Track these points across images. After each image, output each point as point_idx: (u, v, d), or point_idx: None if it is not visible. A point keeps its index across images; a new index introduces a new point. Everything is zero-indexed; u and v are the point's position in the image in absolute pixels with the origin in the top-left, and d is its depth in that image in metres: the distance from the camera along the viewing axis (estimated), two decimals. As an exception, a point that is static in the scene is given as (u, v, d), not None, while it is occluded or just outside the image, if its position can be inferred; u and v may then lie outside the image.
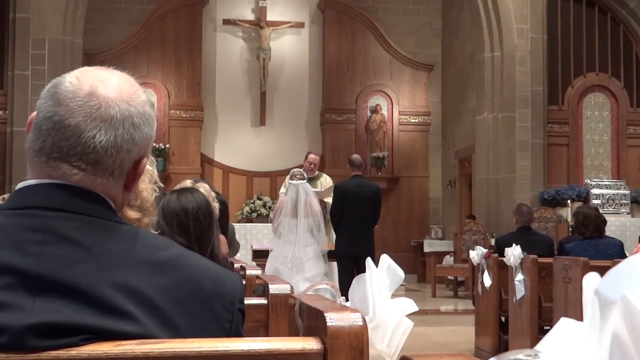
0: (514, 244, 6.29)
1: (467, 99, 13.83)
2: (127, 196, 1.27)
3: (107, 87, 1.19)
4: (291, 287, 2.31)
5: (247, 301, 1.82)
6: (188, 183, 3.55)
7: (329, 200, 8.20)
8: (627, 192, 11.49)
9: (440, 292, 12.22)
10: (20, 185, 1.19)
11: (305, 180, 7.56)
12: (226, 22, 14.61)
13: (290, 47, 14.89)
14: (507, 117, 11.79)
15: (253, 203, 14.21)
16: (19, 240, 1.09)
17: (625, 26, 12.57)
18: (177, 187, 3.24)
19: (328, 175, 9.32)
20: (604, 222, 6.35)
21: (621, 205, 11.41)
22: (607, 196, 11.42)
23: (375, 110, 14.53)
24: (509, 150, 11.73)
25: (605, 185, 11.61)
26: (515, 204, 8.64)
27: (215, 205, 3.59)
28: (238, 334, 1.19)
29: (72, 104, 1.17)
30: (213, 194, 3.63)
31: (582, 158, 12.18)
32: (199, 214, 2.74)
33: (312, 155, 8.89)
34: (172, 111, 14.03)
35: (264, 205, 14.09)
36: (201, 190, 3.42)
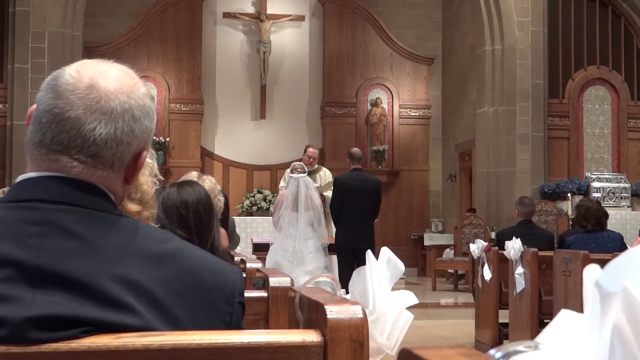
0: (514, 237, 6.29)
1: (467, 93, 13.81)
2: (127, 189, 1.27)
3: (107, 80, 1.19)
4: (291, 280, 2.32)
5: (248, 294, 1.82)
6: (194, 175, 3.54)
7: (328, 194, 8.20)
8: (627, 185, 11.49)
9: (441, 286, 12.23)
10: (20, 178, 1.19)
11: (305, 174, 7.57)
12: (226, 15, 14.58)
13: (291, 40, 14.87)
14: (507, 110, 11.78)
15: (253, 196, 14.21)
16: (19, 233, 1.09)
17: (626, 19, 12.54)
18: (182, 179, 3.24)
19: (328, 168, 9.32)
20: (606, 215, 6.35)
21: (621, 198, 11.41)
22: (608, 189, 11.42)
23: (375, 103, 14.51)
24: (510, 144, 11.72)
25: (606, 178, 11.61)
26: (515, 197, 8.64)
27: (220, 199, 3.59)
28: (238, 326, 1.19)
29: (72, 96, 1.17)
30: (219, 187, 3.63)
31: (583, 151, 12.17)
32: (199, 207, 2.74)
33: (311, 149, 8.88)
34: (172, 104, 14.02)
35: (264, 199, 14.09)
36: (207, 182, 3.42)
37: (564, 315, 0.72)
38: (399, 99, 14.67)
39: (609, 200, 11.24)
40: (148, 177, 1.87)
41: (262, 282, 2.41)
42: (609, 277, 0.66)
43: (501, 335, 6.73)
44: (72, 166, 1.16)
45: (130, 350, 1.04)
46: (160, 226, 2.60)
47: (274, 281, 2.23)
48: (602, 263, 0.71)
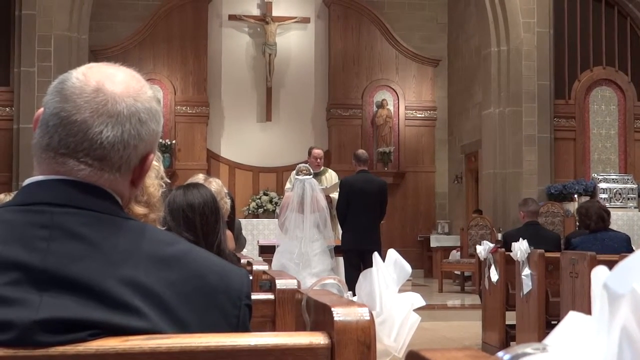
0: (520, 239, 6.28)
1: (473, 94, 13.80)
2: (133, 192, 1.27)
3: (114, 83, 1.20)
4: (298, 282, 2.31)
5: (254, 296, 1.82)
6: (200, 177, 3.55)
7: (334, 195, 8.20)
8: (634, 186, 11.45)
9: (447, 287, 12.22)
10: (27, 181, 1.20)
11: (311, 176, 7.57)
12: (232, 17, 14.60)
13: (296, 42, 14.88)
14: (513, 111, 11.76)
15: (259, 199, 14.22)
16: (27, 236, 1.10)
17: (632, 19, 12.52)
18: (188, 181, 3.24)
19: (334, 170, 9.31)
20: (607, 212, 6.33)
21: (628, 199, 11.37)
22: (614, 190, 11.38)
23: (381, 105, 14.51)
24: (516, 145, 11.71)
25: (613, 179, 11.58)
26: (522, 198, 8.62)
27: (227, 201, 3.60)
28: (245, 329, 1.19)
29: (79, 100, 1.17)
30: (225, 189, 3.63)
31: (589, 152, 12.14)
32: (205, 210, 2.74)
33: (316, 150, 8.88)
34: (178, 107, 14.04)
35: (270, 201, 14.10)
36: (213, 185, 3.42)
37: (572, 317, 0.72)
38: (404, 100, 14.66)
39: (615, 201, 11.21)
40: (154, 179, 1.87)
41: (269, 285, 2.41)
42: (617, 279, 0.66)
43: (508, 337, 6.72)
44: (79, 169, 1.17)
45: (137, 353, 1.04)
46: (167, 229, 2.60)
47: (280, 283, 2.23)
48: (609, 264, 0.71)
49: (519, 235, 6.53)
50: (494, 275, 6.81)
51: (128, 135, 1.18)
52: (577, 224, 8.67)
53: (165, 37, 14.08)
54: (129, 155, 1.19)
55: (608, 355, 0.65)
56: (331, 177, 8.81)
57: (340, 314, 1.13)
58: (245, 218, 12.98)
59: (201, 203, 2.75)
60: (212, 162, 14.36)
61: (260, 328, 2.12)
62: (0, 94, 11.36)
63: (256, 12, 14.70)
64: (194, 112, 14.11)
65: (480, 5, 12.18)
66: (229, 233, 3.37)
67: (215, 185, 3.48)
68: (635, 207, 11.35)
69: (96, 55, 13.03)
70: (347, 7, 14.58)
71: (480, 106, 12.70)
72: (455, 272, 12.62)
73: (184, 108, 14.07)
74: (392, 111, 14.58)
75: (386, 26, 14.65)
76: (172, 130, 13.89)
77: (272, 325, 2.20)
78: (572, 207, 10.99)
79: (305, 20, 14.81)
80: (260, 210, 14.06)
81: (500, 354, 0.70)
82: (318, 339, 1.13)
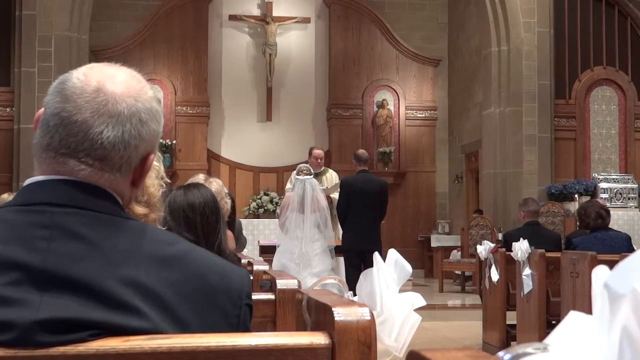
0: (521, 239, 6.28)
1: (473, 94, 13.80)
2: (134, 192, 1.27)
3: (115, 83, 1.20)
4: (298, 282, 2.31)
5: (255, 296, 1.82)
6: (201, 177, 3.55)
7: (335, 195, 8.19)
8: (634, 186, 11.45)
9: (448, 287, 12.22)
10: (28, 181, 1.20)
11: (311, 176, 7.57)
12: (232, 17, 14.60)
13: (297, 42, 14.88)
14: (514, 111, 11.76)
15: (260, 199, 14.22)
16: (27, 237, 1.10)
17: (632, 19, 12.51)
18: (189, 181, 3.24)
19: (335, 170, 9.31)
20: (607, 211, 6.33)
21: (629, 199, 11.37)
22: (615, 190, 11.38)
23: (381, 105, 14.51)
24: (516, 145, 11.71)
25: (613, 179, 11.57)
26: (522, 198, 8.63)
27: (227, 201, 3.60)
28: (246, 329, 1.19)
29: (80, 100, 1.17)
30: (225, 189, 3.64)
31: (590, 152, 12.14)
32: (206, 210, 2.74)
33: (317, 151, 8.88)
34: (179, 107, 14.05)
35: (271, 201, 14.10)
36: (214, 185, 3.42)
37: (573, 317, 0.72)
38: (405, 100, 14.66)
39: (616, 201, 11.21)
40: (155, 179, 1.87)
41: (270, 285, 2.41)
42: (618, 279, 0.65)
43: (509, 336, 6.72)
44: (79, 169, 1.17)
45: (138, 353, 1.04)
46: (167, 229, 2.60)
47: (281, 283, 2.23)
48: (610, 264, 0.71)
49: (519, 235, 6.53)
50: (495, 275, 6.81)
51: (129, 135, 1.18)
52: (578, 224, 8.68)
53: (165, 37, 14.08)
54: (129, 156, 1.20)
55: (608, 355, 0.65)
56: (332, 177, 8.81)
57: (340, 313, 1.13)
58: (245, 218, 12.98)
59: (202, 203, 2.75)
60: (213, 162, 14.36)
61: (261, 328, 2.12)
62: (0, 94, 11.37)
63: (256, 12, 14.70)
64: (194, 112, 14.11)
65: (480, 5, 12.18)
66: (229, 233, 3.37)
67: (216, 185, 3.48)
68: (635, 207, 11.35)
69: (96, 55, 13.03)
70: (348, 7, 14.58)
71: (481, 106, 12.70)
72: (456, 272, 12.62)
73: (184, 108, 14.07)
74: (392, 111, 14.58)
75: (386, 26, 14.65)
76: (172, 130, 13.89)
77: (272, 325, 2.20)
78: (573, 207, 10.99)
79: (306, 20, 14.82)
80: (261, 210, 14.06)
81: (500, 353, 0.70)
82: (319, 339, 1.13)
